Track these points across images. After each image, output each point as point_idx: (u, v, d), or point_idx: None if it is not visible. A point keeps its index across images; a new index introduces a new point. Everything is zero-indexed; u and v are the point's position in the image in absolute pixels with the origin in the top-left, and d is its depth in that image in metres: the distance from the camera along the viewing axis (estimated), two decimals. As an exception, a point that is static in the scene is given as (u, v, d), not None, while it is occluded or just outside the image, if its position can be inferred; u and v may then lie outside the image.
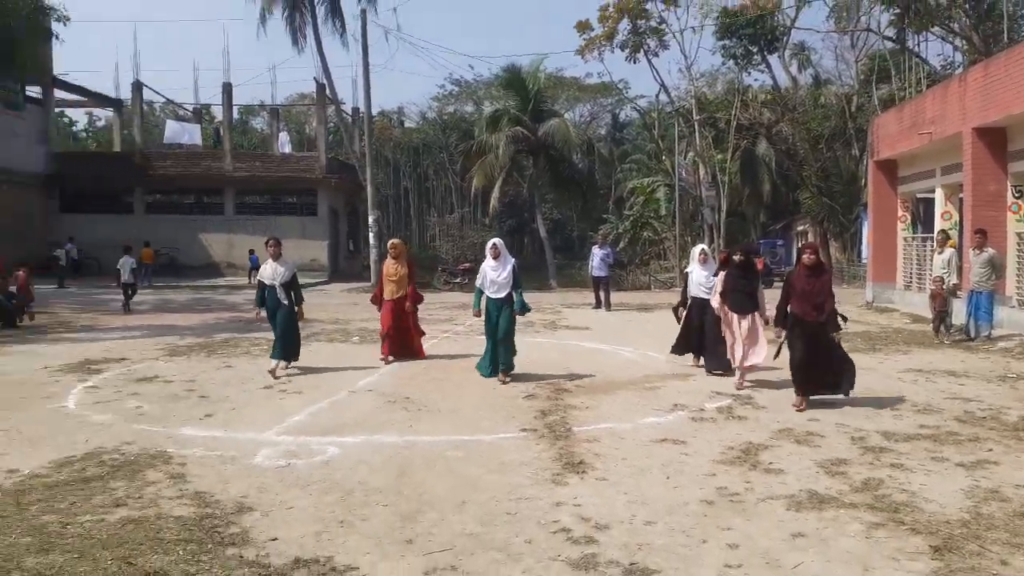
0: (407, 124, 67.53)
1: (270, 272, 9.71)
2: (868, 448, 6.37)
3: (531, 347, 9.44)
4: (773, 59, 36.90)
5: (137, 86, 30.29)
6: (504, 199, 43.65)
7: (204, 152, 32.03)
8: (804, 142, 37.27)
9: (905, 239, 19.97)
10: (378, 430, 7.07)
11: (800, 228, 47.23)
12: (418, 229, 62.21)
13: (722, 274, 9.00)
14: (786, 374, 8.15)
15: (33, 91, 28.94)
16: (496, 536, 4.56)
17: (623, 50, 33.27)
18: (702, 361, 10.06)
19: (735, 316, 8.77)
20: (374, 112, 31.71)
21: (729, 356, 9.09)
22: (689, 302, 10.14)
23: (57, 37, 17.20)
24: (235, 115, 31.66)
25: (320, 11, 28.71)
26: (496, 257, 9.47)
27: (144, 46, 69.69)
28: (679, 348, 10.33)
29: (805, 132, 37.08)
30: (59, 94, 31.77)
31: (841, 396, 7.81)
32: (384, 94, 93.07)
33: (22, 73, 21.61)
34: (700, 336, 9.96)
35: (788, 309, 7.86)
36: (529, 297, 20.51)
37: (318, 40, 28.54)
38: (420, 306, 11.14)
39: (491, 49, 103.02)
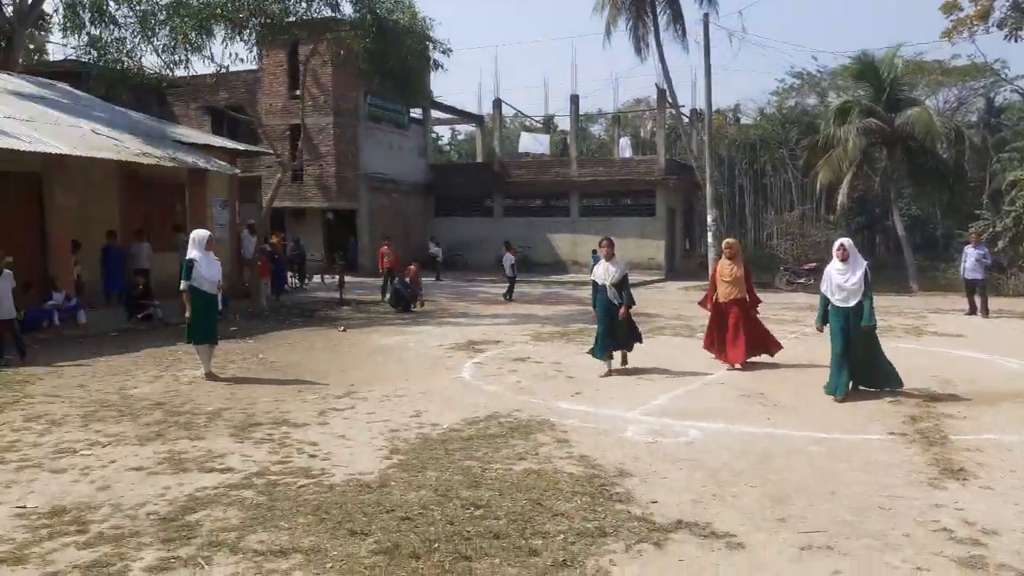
0: (743, 120, 65.89)
1: (602, 272, 9.71)
2: None
3: (893, 352, 8.88)
4: None
5: (497, 103, 33.77)
6: (853, 194, 40.54)
7: (552, 160, 34.68)
8: None
9: None
10: (736, 420, 7.35)
11: None
12: (754, 227, 60.34)
13: None
14: None
15: (415, 112, 33.78)
16: (870, 526, 4.62)
17: (1000, 29, 29.16)
18: None
19: None
20: (715, 112, 31.68)
21: None
22: None
23: (441, 67, 19.87)
24: (572, 123, 33.71)
25: (662, 19, 29.44)
26: (844, 259, 8.35)
27: (502, 65, 76.98)
28: None
29: None
30: (434, 113, 36.68)
31: None
32: (721, 92, 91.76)
33: (412, 99, 25.37)
34: None
35: None
36: (887, 301, 19.09)
37: (659, 46, 29.29)
38: (760, 308, 10.77)
39: (839, 41, 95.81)
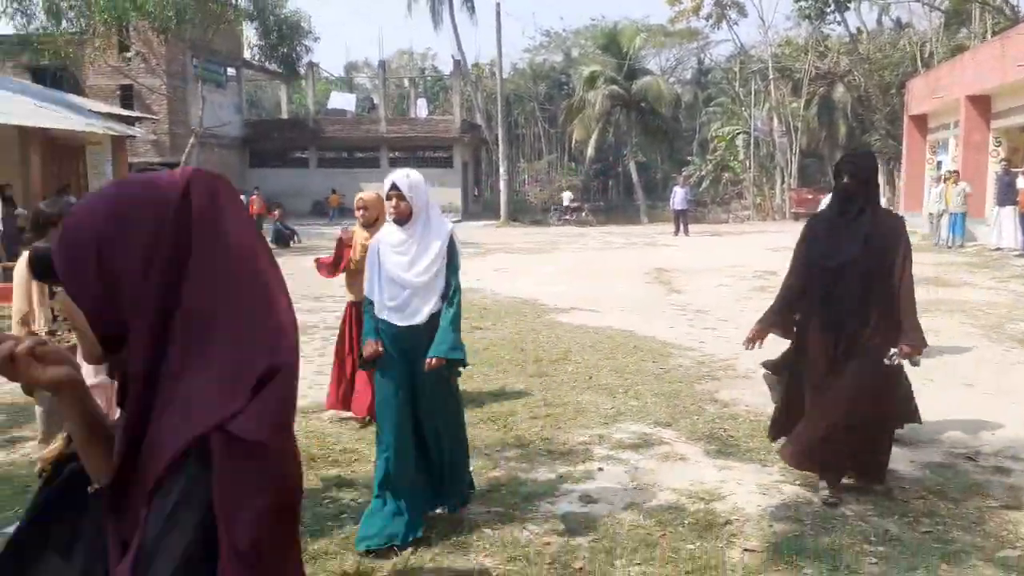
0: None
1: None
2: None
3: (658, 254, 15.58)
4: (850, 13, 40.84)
5: (311, 66, 37.62)
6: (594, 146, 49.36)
7: (363, 118, 39.37)
8: (876, 88, 41.28)
9: (931, 177, 25.38)
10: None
11: (872, 168, 51.28)
12: (509, 175, 68.04)
13: None
14: None
15: (230, 71, 36.59)
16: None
17: (707, 20, 38.61)
18: None
19: None
20: (471, 63, 37.98)
21: None
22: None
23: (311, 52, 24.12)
24: (382, 85, 38.70)
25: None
26: (405, 217, 3.84)
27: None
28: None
29: (878, 79, 41.04)
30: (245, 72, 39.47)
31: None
32: (484, 45, 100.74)
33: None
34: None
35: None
36: (624, 230, 27.49)
37: (454, 24, 35.30)
38: None
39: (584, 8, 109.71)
